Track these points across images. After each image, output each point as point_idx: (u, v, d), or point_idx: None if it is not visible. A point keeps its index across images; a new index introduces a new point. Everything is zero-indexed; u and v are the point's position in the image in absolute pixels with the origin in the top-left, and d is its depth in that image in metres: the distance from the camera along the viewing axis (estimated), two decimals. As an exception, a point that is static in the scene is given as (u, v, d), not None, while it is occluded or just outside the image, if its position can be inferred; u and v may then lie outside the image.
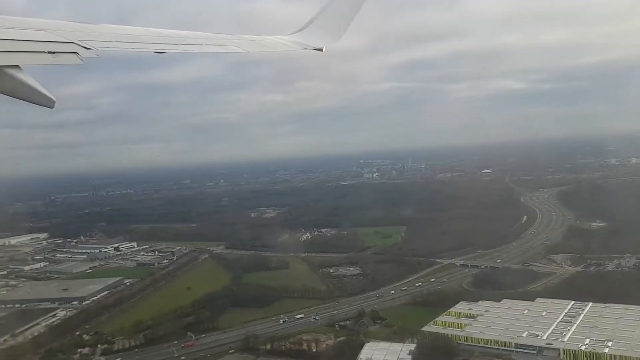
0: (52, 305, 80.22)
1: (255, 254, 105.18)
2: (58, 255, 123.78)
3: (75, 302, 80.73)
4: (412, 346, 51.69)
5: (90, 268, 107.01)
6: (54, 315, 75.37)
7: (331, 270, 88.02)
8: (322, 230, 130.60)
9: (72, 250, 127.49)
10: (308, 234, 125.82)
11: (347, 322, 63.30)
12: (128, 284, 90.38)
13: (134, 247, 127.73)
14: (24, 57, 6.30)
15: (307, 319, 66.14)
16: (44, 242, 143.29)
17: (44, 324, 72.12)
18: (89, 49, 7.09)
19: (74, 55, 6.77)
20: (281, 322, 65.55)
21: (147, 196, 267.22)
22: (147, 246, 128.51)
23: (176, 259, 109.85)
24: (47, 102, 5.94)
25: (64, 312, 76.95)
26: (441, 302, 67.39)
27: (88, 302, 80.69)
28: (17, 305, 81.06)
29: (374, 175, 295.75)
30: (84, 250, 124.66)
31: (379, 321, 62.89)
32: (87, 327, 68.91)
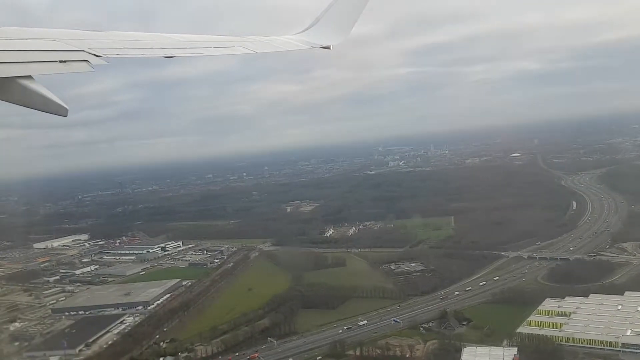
0: (117, 311, 79.93)
1: (308, 251, 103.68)
2: (105, 257, 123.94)
3: (139, 307, 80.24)
4: (513, 350, 49.49)
5: (143, 270, 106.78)
6: (122, 322, 74.94)
7: (392, 267, 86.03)
8: (366, 223, 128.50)
9: (118, 251, 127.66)
10: (353, 228, 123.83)
11: (431, 324, 61.22)
12: (187, 285, 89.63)
13: (179, 247, 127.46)
14: (36, 67, 6.36)
15: (386, 321, 64.24)
16: (87, 244, 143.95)
17: (114, 331, 71.73)
18: (99, 56, 7.20)
19: (84, 63, 6.89)
20: (360, 324, 63.83)
21: (174, 192, 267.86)
22: (193, 245, 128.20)
23: (226, 258, 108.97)
24: (60, 111, 5.97)
25: (131, 318, 76.47)
26: (522, 299, 65.05)
27: (153, 306, 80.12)
28: (81, 312, 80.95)
29: (400, 164, 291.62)
30: (131, 252, 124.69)
31: (464, 322, 60.73)
32: (160, 333, 68.11)
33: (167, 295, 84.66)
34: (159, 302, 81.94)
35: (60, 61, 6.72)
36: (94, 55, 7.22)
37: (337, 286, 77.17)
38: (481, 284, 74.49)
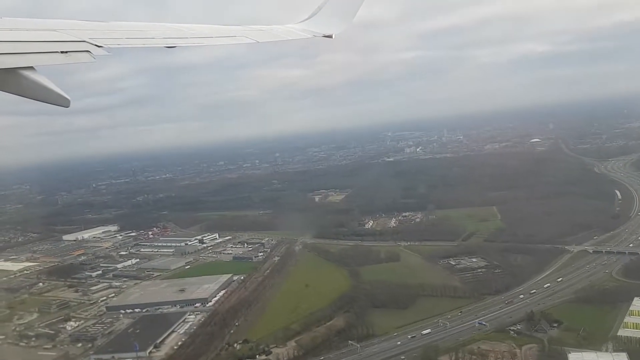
0: (175, 309, 78.12)
1: (354, 244, 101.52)
2: (142, 250, 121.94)
3: (198, 304, 78.45)
4: (622, 356, 47.47)
5: (187, 264, 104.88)
6: (184, 321, 73.10)
7: (453, 263, 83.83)
8: (405, 214, 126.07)
9: (155, 244, 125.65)
10: (394, 220, 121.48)
11: (519, 327, 59.13)
12: (240, 281, 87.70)
13: (216, 239, 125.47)
14: (37, 57, 6.35)
15: (468, 323, 62.15)
16: (119, 236, 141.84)
17: (180, 330, 69.96)
18: (101, 46, 7.20)
19: (86, 54, 6.89)
20: (441, 325, 61.83)
21: (190, 180, 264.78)
22: (229, 237, 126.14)
23: (270, 251, 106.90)
24: (62, 102, 5.96)
25: (193, 316, 74.64)
26: (606, 297, 63.05)
27: (211, 303, 78.25)
28: (137, 310, 79.18)
29: (417, 150, 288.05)
30: (168, 244, 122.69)
31: (555, 324, 58.62)
32: (229, 334, 66.25)
33: (223, 292, 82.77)
34: (216, 298, 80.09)
35: (62, 52, 6.69)
36: (96, 45, 7.20)
37: (401, 284, 75.13)
38: (558, 279, 72.21)
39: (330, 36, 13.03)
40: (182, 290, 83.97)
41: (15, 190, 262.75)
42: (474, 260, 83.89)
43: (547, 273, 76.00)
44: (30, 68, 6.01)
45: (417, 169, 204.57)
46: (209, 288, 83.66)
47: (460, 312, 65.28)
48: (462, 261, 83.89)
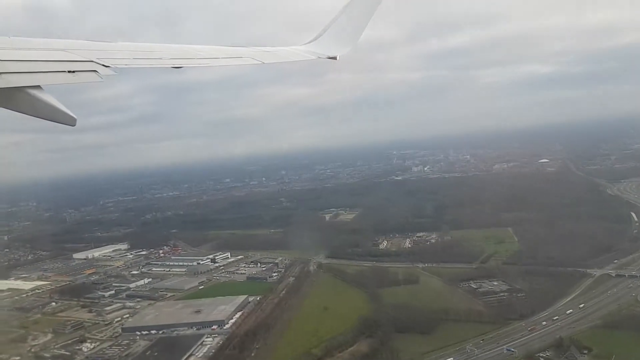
0: (191, 331, 76.92)
1: (370, 265, 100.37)
2: (154, 269, 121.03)
3: (214, 327, 77.19)
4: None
5: (200, 284, 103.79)
6: (202, 344, 71.86)
7: (474, 286, 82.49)
8: (419, 235, 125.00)
9: (166, 263, 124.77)
10: (408, 240, 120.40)
11: (548, 353, 57.72)
12: (255, 302, 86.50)
13: (228, 258, 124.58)
14: (45, 77, 6.42)
15: (497, 349, 60.73)
16: (129, 255, 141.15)
17: (198, 354, 68.71)
18: (108, 66, 7.29)
19: (93, 73, 6.99)
20: (469, 351, 60.48)
21: (197, 198, 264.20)
22: (242, 257, 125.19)
23: (284, 271, 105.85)
24: (68, 121, 5.99)
25: (210, 339, 73.37)
26: (634, 323, 61.40)
27: (228, 326, 77.03)
28: (153, 332, 77.94)
29: (425, 169, 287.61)
30: (180, 263, 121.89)
31: (585, 351, 57.21)
32: (249, 357, 64.98)
33: (239, 313, 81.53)
34: (232, 320, 78.83)
35: (69, 71, 6.76)
36: (103, 65, 7.26)
37: (423, 307, 73.81)
38: (580, 305, 70.89)
39: (334, 58, 13.11)
40: (198, 312, 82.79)
41: (22, 207, 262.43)
42: (495, 283, 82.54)
43: (571, 297, 74.61)
44: (38, 87, 6.06)
45: (427, 188, 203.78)
46: (225, 310, 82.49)
47: (482, 340, 63.85)
48: (483, 284, 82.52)
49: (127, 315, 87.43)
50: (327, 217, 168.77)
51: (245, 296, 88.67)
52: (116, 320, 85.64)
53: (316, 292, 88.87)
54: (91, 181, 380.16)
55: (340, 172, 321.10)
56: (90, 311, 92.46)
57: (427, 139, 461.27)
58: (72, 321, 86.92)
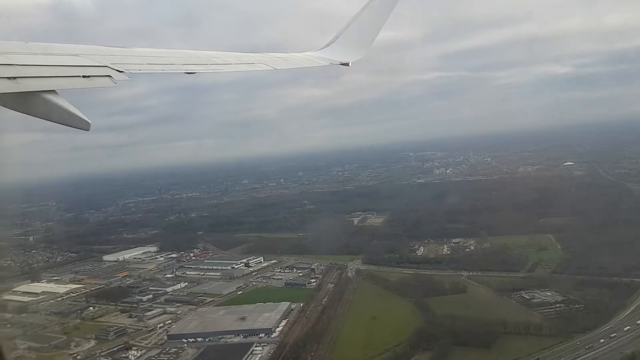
0: (239, 339, 75.55)
1: (413, 272, 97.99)
2: (188, 272, 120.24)
3: (262, 335, 75.73)
4: None
5: (238, 289, 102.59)
6: (252, 353, 70.41)
7: (526, 297, 79.86)
8: (455, 240, 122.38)
9: (200, 267, 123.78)
10: (445, 247, 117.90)
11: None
12: (299, 310, 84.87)
13: (261, 263, 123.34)
14: (60, 81, 6.53)
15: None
16: (160, 257, 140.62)
17: (251, 364, 67.20)
18: (122, 71, 7.44)
19: (107, 78, 7.15)
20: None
21: (218, 199, 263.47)
22: (275, 261, 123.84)
23: (322, 277, 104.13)
24: (83, 125, 6.08)
25: (260, 347, 71.88)
26: None
27: (276, 334, 75.50)
28: (199, 339, 76.72)
29: (447, 172, 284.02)
30: (213, 267, 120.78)
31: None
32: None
33: (284, 321, 79.95)
34: (279, 329, 77.30)
35: (84, 76, 6.94)
36: (117, 70, 7.41)
37: (477, 319, 71.46)
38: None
39: (347, 64, 13.14)
40: (243, 319, 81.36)
41: (41, 206, 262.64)
42: (548, 294, 79.75)
43: (632, 309, 71.73)
44: (53, 92, 6.13)
45: (453, 192, 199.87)
46: (270, 317, 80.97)
47: (552, 352, 61.44)
48: (535, 295, 79.87)
49: (169, 321, 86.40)
50: (355, 220, 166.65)
51: (288, 303, 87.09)
52: (159, 326, 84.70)
53: (360, 300, 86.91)
54: (107, 181, 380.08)
55: (358, 174, 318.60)
56: (130, 316, 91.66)
57: (443, 140, 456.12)
58: (114, 327, 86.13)
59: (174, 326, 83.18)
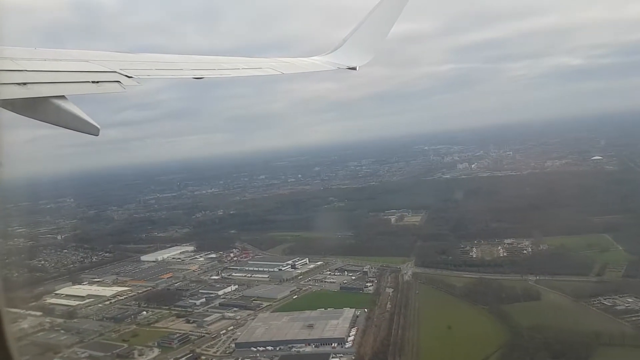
0: (311, 349, 72.88)
1: (480, 277, 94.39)
2: (234, 274, 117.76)
3: (335, 345, 73.00)
4: None
5: (292, 293, 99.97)
6: (330, 364, 67.78)
7: (606, 303, 76.50)
8: (507, 241, 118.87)
9: (245, 268, 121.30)
10: (499, 248, 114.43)
11: None
12: (365, 317, 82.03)
13: (307, 264, 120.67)
14: (69, 87, 6.61)
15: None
16: (199, 258, 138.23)
17: (332, 377, 64.51)
18: (131, 77, 7.54)
19: (116, 84, 7.25)
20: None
21: (240, 196, 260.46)
22: (320, 263, 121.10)
23: (377, 281, 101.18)
24: (92, 130, 6.18)
25: (337, 359, 69.21)
26: None
27: (350, 344, 72.75)
28: (269, 348, 74.12)
29: (473, 167, 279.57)
30: (260, 269, 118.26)
31: None
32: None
33: (354, 330, 77.13)
34: (351, 338, 74.52)
35: (93, 82, 7.02)
36: (126, 76, 7.50)
37: (564, 329, 68.19)
38: None
39: (354, 68, 13.26)
40: (310, 327, 78.63)
41: (59, 203, 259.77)
42: (629, 300, 76.38)
43: None
44: (62, 97, 6.17)
45: (485, 188, 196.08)
46: (338, 325, 78.21)
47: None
48: (616, 301, 76.51)
49: (231, 327, 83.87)
50: (392, 219, 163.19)
51: (352, 309, 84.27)
52: (221, 332, 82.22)
53: (427, 307, 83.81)
54: (118, 176, 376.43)
55: (377, 169, 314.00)
56: (188, 321, 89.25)
57: (451, 133, 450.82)
58: (174, 333, 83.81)
59: (238, 333, 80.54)
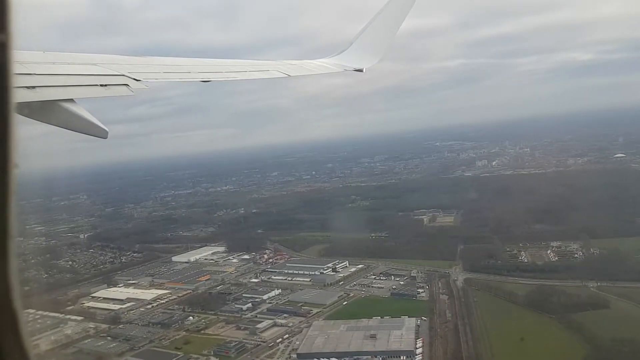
0: (379, 361, 70.27)
1: (539, 283, 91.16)
2: (273, 277, 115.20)
3: (403, 358, 70.34)
4: None
5: (340, 298, 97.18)
6: (405, 379, 65.13)
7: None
8: (554, 244, 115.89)
9: (284, 271, 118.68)
10: (549, 251, 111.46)
11: None
12: (426, 326, 79.31)
13: (347, 267, 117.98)
14: (78, 90, 6.72)
15: None
16: (233, 259, 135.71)
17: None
18: (139, 80, 7.66)
19: (124, 87, 7.37)
20: None
21: (257, 193, 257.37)
22: (361, 266, 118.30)
23: (429, 287, 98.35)
24: (100, 133, 6.31)
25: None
26: None
27: (419, 358, 70.02)
28: None
29: (493, 164, 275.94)
30: (300, 272, 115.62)
31: None
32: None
33: (420, 341, 74.38)
34: (419, 350, 71.79)
35: (101, 85, 7.13)
36: (134, 79, 7.61)
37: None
38: None
39: (360, 70, 13.55)
40: (373, 337, 75.86)
41: (73, 200, 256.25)
42: None
43: None
44: (71, 100, 6.23)
45: (514, 187, 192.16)
46: (403, 335, 75.45)
47: None
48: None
49: (287, 336, 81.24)
50: (425, 219, 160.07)
51: (412, 318, 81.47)
52: (278, 341, 79.65)
53: (491, 317, 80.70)
54: (127, 172, 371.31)
55: (392, 166, 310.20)
56: (239, 328, 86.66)
57: (462, 128, 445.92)
58: (228, 341, 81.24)
59: (297, 342, 77.90)
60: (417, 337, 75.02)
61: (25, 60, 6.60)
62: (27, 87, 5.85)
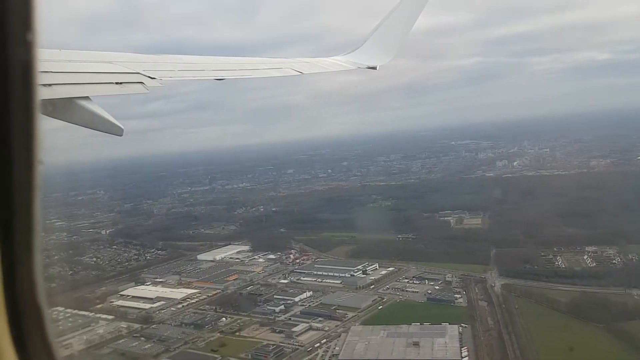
0: (425, 370, 68.68)
1: (582, 290, 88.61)
2: (302, 278, 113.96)
3: (450, 366, 68.74)
4: None
5: (374, 302, 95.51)
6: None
7: None
8: (589, 249, 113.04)
9: (313, 272, 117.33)
10: (586, 256, 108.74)
11: None
12: (468, 334, 77.48)
13: (377, 269, 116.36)
14: (94, 88, 6.71)
15: None
16: (258, 258, 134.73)
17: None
18: (154, 78, 7.69)
19: (139, 85, 7.37)
20: None
21: (274, 191, 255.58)
22: (392, 269, 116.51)
23: (466, 292, 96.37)
24: (116, 131, 6.33)
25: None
26: None
27: (467, 367, 68.37)
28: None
29: (515, 164, 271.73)
30: (330, 273, 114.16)
31: None
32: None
33: (465, 350, 72.54)
34: (465, 359, 70.11)
35: (117, 83, 7.12)
36: (149, 77, 7.60)
37: None
38: None
39: (374, 67, 13.56)
40: (416, 345, 74.20)
41: (91, 195, 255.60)
42: None
43: None
44: (86, 98, 6.21)
45: (540, 188, 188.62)
46: (447, 344, 73.71)
47: None
48: None
49: (324, 340, 79.87)
50: (451, 221, 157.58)
51: (455, 326, 79.57)
52: (316, 345, 78.36)
53: (535, 325, 78.29)
54: (140, 167, 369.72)
55: (409, 165, 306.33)
56: (274, 331, 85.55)
57: (476, 126, 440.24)
58: (266, 345, 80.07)
59: (336, 348, 76.53)
60: (461, 346, 73.16)
61: (42, 58, 5.80)
62: (44, 85, 5.90)
